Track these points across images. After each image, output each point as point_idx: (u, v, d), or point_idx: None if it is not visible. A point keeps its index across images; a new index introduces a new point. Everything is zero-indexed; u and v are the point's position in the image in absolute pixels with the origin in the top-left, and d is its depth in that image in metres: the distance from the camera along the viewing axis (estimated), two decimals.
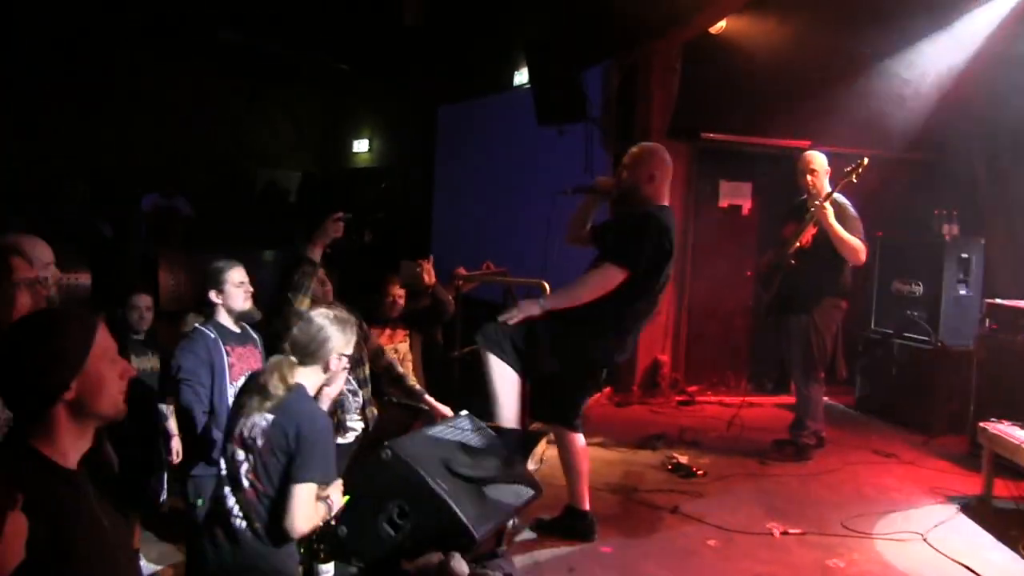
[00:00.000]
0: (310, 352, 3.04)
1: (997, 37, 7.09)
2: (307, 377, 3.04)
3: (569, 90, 7.89)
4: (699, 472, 5.88)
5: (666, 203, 4.70)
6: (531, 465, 5.52)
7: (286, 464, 2.88)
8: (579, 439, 4.79)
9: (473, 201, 10.52)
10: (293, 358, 3.04)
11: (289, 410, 2.92)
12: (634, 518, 5.06)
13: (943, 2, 6.98)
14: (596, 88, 8.25)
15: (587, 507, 4.77)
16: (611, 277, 4.42)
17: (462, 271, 6.46)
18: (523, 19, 8.14)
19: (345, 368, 3.17)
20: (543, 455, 6.02)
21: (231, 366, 4.01)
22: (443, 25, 9.38)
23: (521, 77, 9.51)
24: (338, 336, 3.08)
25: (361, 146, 14.04)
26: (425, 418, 4.88)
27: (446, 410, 4.76)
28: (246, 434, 2.94)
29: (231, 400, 3.71)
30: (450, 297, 5.94)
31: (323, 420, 3.01)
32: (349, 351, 3.14)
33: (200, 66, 12.17)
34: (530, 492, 4.41)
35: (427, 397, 4.90)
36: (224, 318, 4.10)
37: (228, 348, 4.04)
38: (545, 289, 5.80)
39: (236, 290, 4.07)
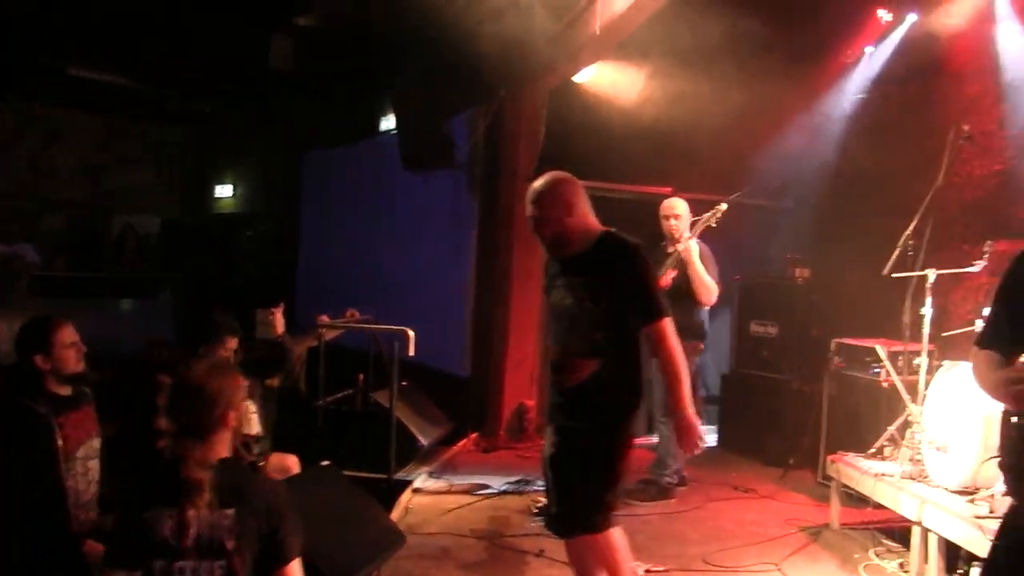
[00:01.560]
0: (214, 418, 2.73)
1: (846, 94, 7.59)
2: (223, 447, 2.75)
3: (435, 136, 7.96)
4: None
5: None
6: (395, 515, 5.49)
7: (261, 551, 2.58)
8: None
9: (339, 248, 10.44)
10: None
11: (241, 490, 2.62)
12: (500, 564, 5.06)
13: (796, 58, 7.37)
14: (462, 134, 8.34)
15: None
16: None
17: (325, 319, 6.38)
18: (390, 66, 8.18)
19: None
20: (408, 504, 5.99)
21: (66, 439, 3.57)
22: (310, 70, 9.36)
23: (388, 123, 9.54)
24: (228, 389, 2.79)
25: (225, 191, 13.77)
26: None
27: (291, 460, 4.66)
28: (202, 543, 2.51)
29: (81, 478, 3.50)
30: (304, 345, 5.88)
31: (279, 483, 2.82)
32: (240, 398, 2.86)
33: (50, 103, 11.71)
34: (393, 541, 4.38)
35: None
36: (53, 385, 3.62)
37: (60, 421, 3.57)
38: (408, 337, 5.76)
39: (67, 351, 3.64)
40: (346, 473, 4.86)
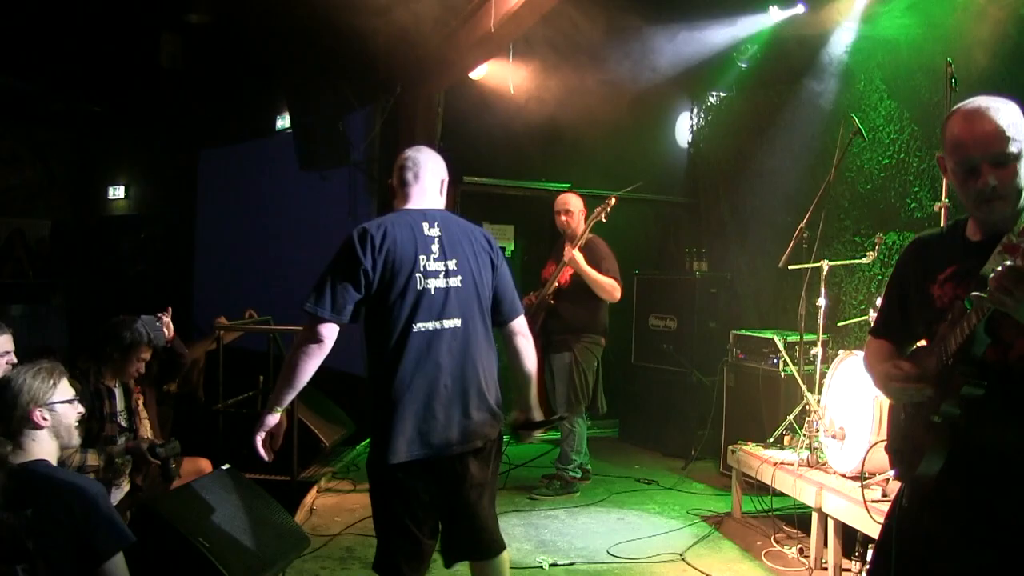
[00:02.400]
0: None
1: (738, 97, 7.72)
2: (40, 448, 2.73)
3: (331, 135, 7.84)
4: None
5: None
6: (299, 516, 5.39)
7: (68, 551, 2.52)
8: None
9: (236, 248, 10.20)
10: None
11: (41, 492, 2.58)
12: None
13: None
14: (359, 132, 8.24)
15: None
16: None
17: (223, 321, 6.23)
18: (284, 64, 8.03)
19: (74, 418, 2.90)
20: (312, 505, 5.89)
21: None
22: (202, 68, 9.12)
23: (283, 122, 9.37)
24: (32, 385, 2.77)
25: (117, 193, 13.33)
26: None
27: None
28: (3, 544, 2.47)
29: None
30: (201, 348, 5.72)
31: (90, 484, 2.72)
32: (56, 397, 2.83)
33: None
34: (297, 542, 4.30)
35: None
36: None
37: None
38: None
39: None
40: (248, 476, 4.74)
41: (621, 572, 4.91)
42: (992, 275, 1.97)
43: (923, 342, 2.49)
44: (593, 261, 6.26)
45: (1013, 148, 2.16)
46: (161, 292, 10.31)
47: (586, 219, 6.46)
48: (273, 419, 3.40)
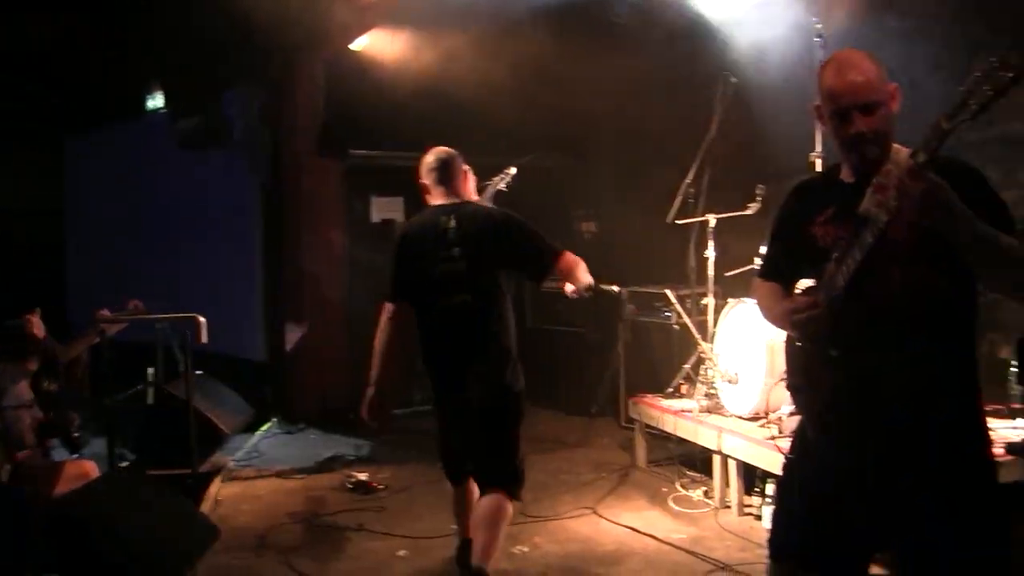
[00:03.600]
0: None
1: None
2: None
3: (209, 113, 7.61)
4: (379, 487, 5.89)
5: (436, 202, 4.28)
6: (204, 508, 5.28)
7: None
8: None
9: (113, 238, 9.81)
10: None
11: None
12: (321, 543, 4.97)
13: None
14: (239, 109, 8.03)
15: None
16: None
17: (105, 313, 6.00)
18: (154, 41, 7.71)
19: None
20: (217, 496, 5.78)
21: None
22: (65, 49, 8.67)
23: (155, 101, 9.03)
24: None
25: None
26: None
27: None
28: None
29: None
30: (80, 344, 5.52)
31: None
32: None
33: None
34: (207, 535, 4.23)
35: None
36: None
37: None
38: (200, 324, 5.49)
39: None
40: (148, 472, 4.63)
41: (536, 531, 4.98)
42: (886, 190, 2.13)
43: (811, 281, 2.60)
44: None
45: (877, 96, 2.31)
46: (28, 292, 9.85)
47: (478, 189, 6.44)
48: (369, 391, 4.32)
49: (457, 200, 4.25)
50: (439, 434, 4.34)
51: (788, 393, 2.77)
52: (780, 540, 2.62)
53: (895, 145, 2.38)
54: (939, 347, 2.31)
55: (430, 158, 4.33)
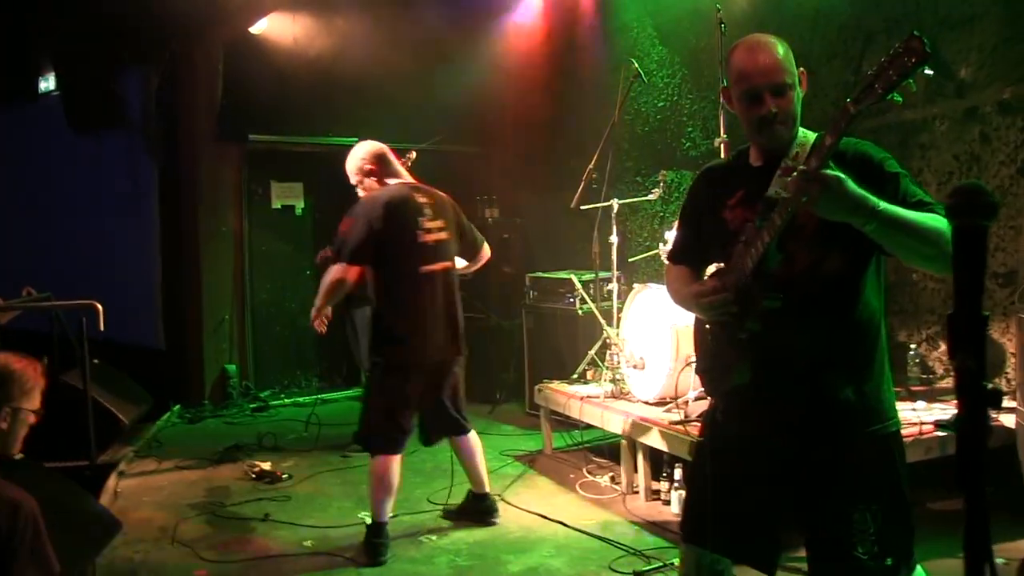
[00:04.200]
0: None
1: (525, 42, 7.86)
2: None
3: (103, 95, 7.36)
4: (283, 476, 5.82)
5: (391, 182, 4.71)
6: (103, 501, 5.14)
7: None
8: (473, 434, 4.90)
9: (7, 223, 9.42)
10: None
11: None
12: (225, 533, 4.87)
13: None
14: (135, 91, 7.79)
15: (487, 489, 4.90)
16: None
17: None
18: (45, 18, 7.42)
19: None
20: (117, 488, 5.62)
21: None
22: None
23: (47, 83, 8.69)
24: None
25: None
26: None
27: None
28: None
29: None
30: None
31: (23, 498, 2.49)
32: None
33: None
34: (108, 528, 4.11)
35: None
36: None
37: None
38: (98, 311, 5.33)
39: None
40: (45, 465, 4.47)
41: (444, 518, 5.00)
42: (790, 181, 2.18)
43: (719, 265, 2.66)
44: None
45: (788, 79, 2.35)
46: None
47: None
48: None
49: (413, 181, 4.79)
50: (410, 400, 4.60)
51: (695, 377, 2.83)
52: (692, 524, 2.67)
53: (802, 129, 2.43)
54: (844, 327, 2.38)
55: (373, 147, 4.73)
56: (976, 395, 1.23)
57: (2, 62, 8.50)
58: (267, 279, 8.43)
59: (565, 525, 4.78)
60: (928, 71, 1.94)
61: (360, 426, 4.79)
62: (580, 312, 6.53)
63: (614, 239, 5.93)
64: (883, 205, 2.15)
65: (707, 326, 2.63)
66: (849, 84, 5.95)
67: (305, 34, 7.46)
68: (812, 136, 2.38)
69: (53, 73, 7.78)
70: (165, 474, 6.01)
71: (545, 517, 4.92)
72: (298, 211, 8.56)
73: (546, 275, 7.09)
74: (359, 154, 4.70)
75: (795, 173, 2.18)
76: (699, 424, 3.27)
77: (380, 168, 4.67)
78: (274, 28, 7.41)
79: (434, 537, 4.71)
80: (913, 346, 5.32)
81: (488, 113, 8.61)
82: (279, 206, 8.48)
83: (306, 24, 7.46)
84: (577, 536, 4.63)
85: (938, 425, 4.30)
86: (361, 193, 4.80)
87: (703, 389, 3.51)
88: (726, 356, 2.52)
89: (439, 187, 9.07)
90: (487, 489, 4.90)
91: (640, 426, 4.98)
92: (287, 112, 7.87)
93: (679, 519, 2.76)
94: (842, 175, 2.11)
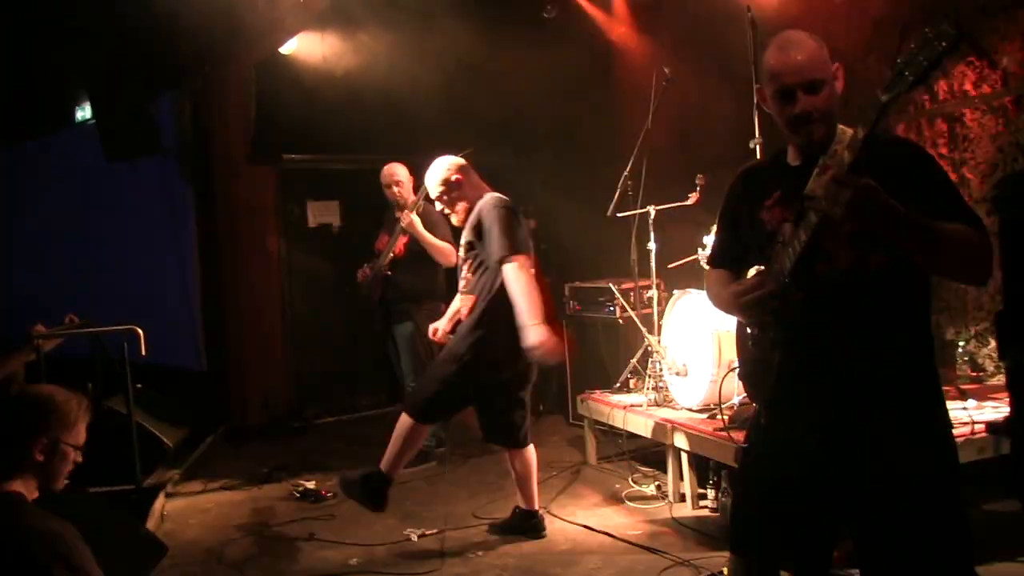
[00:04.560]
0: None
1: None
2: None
3: (138, 121, 7.40)
4: (328, 495, 5.80)
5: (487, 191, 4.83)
6: (150, 524, 5.16)
7: None
8: (531, 450, 4.83)
9: (41, 252, 9.53)
10: None
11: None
12: (272, 554, 4.87)
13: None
14: (168, 117, 7.85)
15: (536, 507, 4.87)
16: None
17: (40, 328, 5.83)
18: (79, 48, 7.48)
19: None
20: (163, 511, 5.64)
21: None
22: None
23: (84, 112, 8.79)
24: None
25: None
26: None
27: None
28: None
29: None
30: (15, 362, 5.33)
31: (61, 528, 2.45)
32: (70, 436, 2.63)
33: None
34: (154, 552, 4.12)
35: None
36: None
37: None
38: (139, 335, 5.36)
39: None
40: (91, 490, 4.50)
41: (491, 532, 4.94)
42: (822, 181, 2.12)
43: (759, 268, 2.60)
44: (427, 225, 6.22)
45: (821, 75, 2.31)
46: None
47: (415, 188, 6.41)
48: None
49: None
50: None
51: (739, 383, 2.78)
52: (740, 532, 2.62)
53: (840, 126, 2.37)
54: (888, 326, 2.31)
55: (456, 160, 4.92)
56: None
57: (39, 92, 8.61)
58: (307, 298, 8.45)
59: (612, 536, 4.72)
60: (972, 57, 1.88)
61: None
62: (621, 320, 6.47)
63: (652, 245, 5.87)
64: (913, 218, 2.09)
65: (748, 330, 2.58)
66: (888, 78, 5.85)
67: (334, 52, 7.49)
68: (849, 132, 2.30)
69: (88, 102, 7.85)
70: (211, 495, 6.03)
71: (591, 529, 4.86)
72: (335, 230, 8.58)
73: (585, 284, 7.04)
74: (444, 166, 4.84)
75: (827, 173, 2.13)
76: (744, 430, 3.19)
77: (467, 178, 4.82)
78: (303, 48, 7.44)
79: (480, 553, 4.66)
80: (962, 343, 5.19)
81: (522, 122, 8.58)
82: (316, 225, 8.51)
83: (334, 42, 7.48)
84: (624, 547, 4.57)
85: (989, 429, 4.17)
86: (438, 207, 4.98)
87: (747, 395, 3.45)
88: (767, 358, 2.46)
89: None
90: (536, 506, 4.87)
91: (684, 433, 4.91)
92: (320, 131, 7.88)
93: (727, 527, 2.70)
94: (872, 184, 2.05)
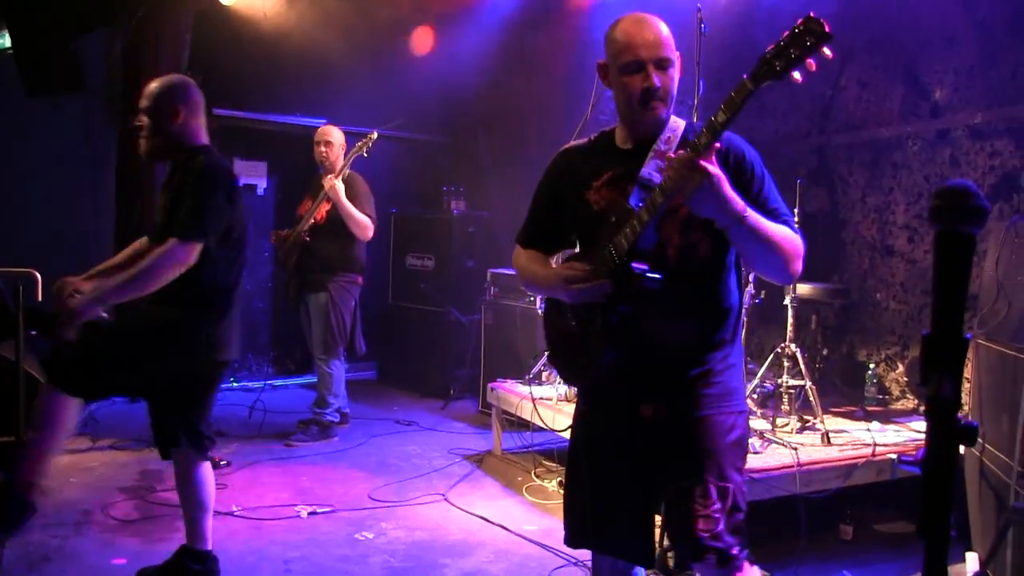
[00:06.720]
0: None
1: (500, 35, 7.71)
2: None
3: (62, 58, 7.06)
4: (223, 462, 5.62)
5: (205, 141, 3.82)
6: None
7: None
8: (208, 467, 3.99)
9: None
10: None
11: None
12: (153, 521, 4.68)
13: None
14: (96, 56, 7.51)
15: (210, 545, 3.89)
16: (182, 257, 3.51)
17: None
18: None
19: None
20: None
21: None
22: None
23: (3, 40, 8.37)
24: None
25: None
26: None
27: None
28: None
29: None
30: None
31: None
32: None
33: None
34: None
35: None
36: None
37: None
38: (36, 280, 5.12)
39: None
40: None
41: (383, 516, 4.82)
42: (673, 160, 2.15)
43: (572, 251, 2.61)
44: (351, 196, 6.08)
45: (671, 55, 2.34)
46: None
47: (346, 154, 6.25)
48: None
49: None
50: None
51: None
52: (570, 527, 2.68)
53: (672, 115, 2.40)
54: (713, 310, 2.41)
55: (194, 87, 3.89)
56: (948, 429, 1.08)
57: None
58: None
59: (507, 530, 4.64)
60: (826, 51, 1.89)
61: None
62: (539, 311, 6.38)
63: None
64: (749, 212, 2.15)
65: (567, 312, 2.52)
66: (826, 97, 5.86)
67: (275, 10, 7.25)
68: (682, 123, 2.39)
69: (7, 30, 7.46)
70: (97, 453, 5.80)
71: (488, 520, 4.77)
72: (260, 190, 8.34)
73: (507, 271, 6.94)
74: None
75: (683, 152, 2.14)
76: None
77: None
78: (245, 1, 7.19)
79: (370, 535, 4.54)
80: (872, 366, 5.21)
81: (457, 103, 8.45)
82: (241, 184, 8.24)
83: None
84: (519, 542, 4.49)
85: (903, 460, 4.18)
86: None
87: (561, 379, 3.61)
88: (593, 341, 2.43)
89: (404, 176, 8.98)
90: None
91: None
92: (254, 87, 7.68)
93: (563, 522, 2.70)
94: (721, 174, 2.09)
